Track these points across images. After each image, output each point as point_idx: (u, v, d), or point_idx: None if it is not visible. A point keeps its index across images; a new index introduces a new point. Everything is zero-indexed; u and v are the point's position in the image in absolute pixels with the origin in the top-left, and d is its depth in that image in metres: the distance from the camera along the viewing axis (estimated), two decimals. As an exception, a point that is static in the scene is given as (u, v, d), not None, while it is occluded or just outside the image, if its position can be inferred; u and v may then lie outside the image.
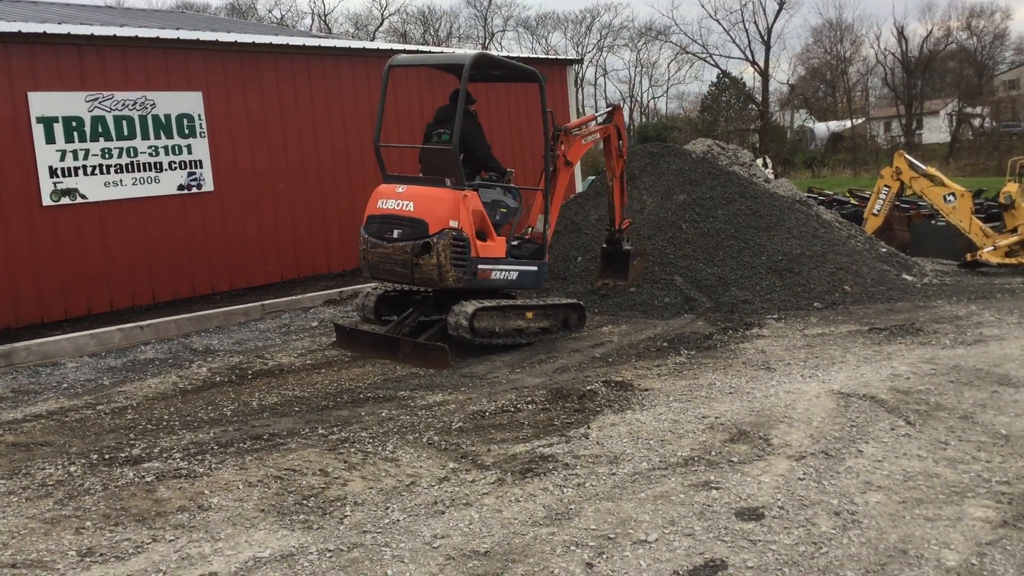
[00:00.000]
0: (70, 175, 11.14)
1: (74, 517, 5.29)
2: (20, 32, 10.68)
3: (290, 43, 13.72)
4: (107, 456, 6.36)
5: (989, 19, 56.89)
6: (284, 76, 13.42)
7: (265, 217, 13.17)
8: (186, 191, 12.28)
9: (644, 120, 62.23)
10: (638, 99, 66.01)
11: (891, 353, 8.31)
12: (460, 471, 5.80)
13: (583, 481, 5.49)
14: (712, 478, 5.42)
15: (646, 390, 7.45)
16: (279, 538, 4.89)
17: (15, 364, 9.62)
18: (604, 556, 4.48)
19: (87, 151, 11.29)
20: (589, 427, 6.53)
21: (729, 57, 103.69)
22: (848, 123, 56.11)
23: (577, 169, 15.94)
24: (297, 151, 13.57)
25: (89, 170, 11.31)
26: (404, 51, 14.75)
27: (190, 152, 12.31)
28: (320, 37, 21.05)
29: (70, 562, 4.70)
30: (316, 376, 8.54)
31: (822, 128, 57.14)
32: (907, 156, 15.72)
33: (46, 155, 10.95)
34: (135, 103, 11.73)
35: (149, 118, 11.87)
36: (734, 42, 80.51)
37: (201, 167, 12.42)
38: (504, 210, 9.41)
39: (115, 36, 11.63)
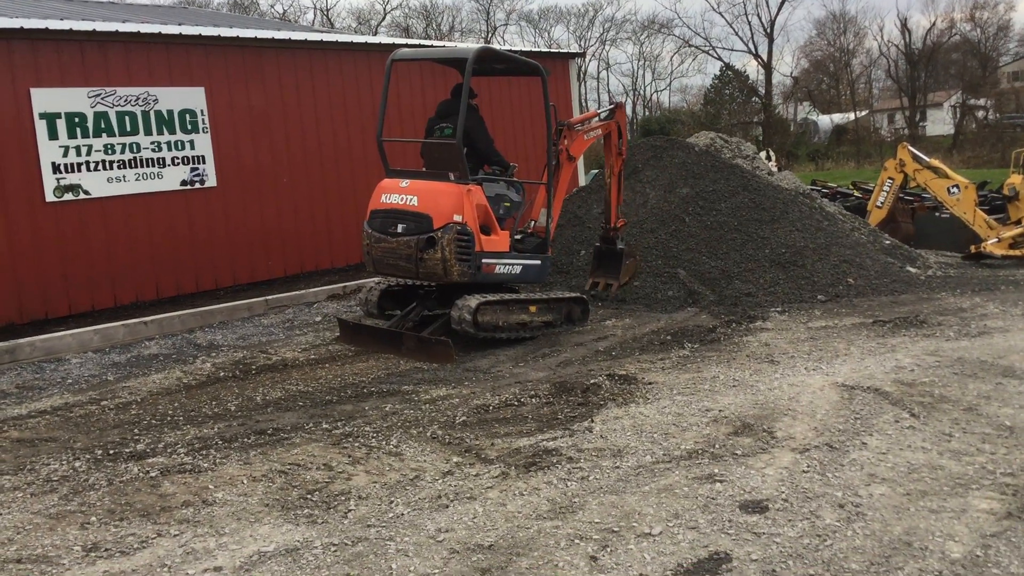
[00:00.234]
0: (73, 171, 11.15)
1: (79, 512, 5.30)
2: (22, 28, 10.68)
3: (292, 38, 13.71)
4: (112, 451, 6.37)
5: (993, 10, 56.74)
6: (286, 71, 13.42)
7: (268, 212, 13.18)
8: (189, 187, 12.28)
9: (647, 113, 62.19)
10: (641, 92, 65.98)
11: (895, 345, 8.30)
12: (464, 465, 5.80)
13: (587, 475, 5.49)
14: (716, 471, 5.42)
15: (650, 383, 7.45)
16: (283, 532, 4.90)
17: (19, 360, 9.64)
18: (608, 549, 4.49)
19: (90, 147, 11.29)
20: (593, 421, 6.53)
21: (732, 50, 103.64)
22: (852, 115, 56.05)
23: (580, 163, 15.90)
24: (300, 146, 13.57)
25: (92, 166, 11.31)
26: (406, 45, 14.73)
27: (193, 148, 12.31)
28: (322, 32, 21.05)
29: (75, 557, 4.72)
30: (320, 371, 8.55)
31: (825, 121, 57.07)
32: (911, 148, 15.69)
33: (49, 151, 10.95)
34: (138, 99, 11.73)
35: (152, 114, 11.87)
36: (737, 35, 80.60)
37: (204, 162, 12.42)
38: (508, 204, 9.41)
39: (117, 32, 11.62)
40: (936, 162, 15.30)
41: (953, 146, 46.13)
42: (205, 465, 5.98)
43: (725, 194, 12.13)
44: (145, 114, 11.81)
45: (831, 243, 11.62)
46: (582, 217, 12.56)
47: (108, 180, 11.46)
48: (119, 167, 11.56)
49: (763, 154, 25.14)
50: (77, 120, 11.18)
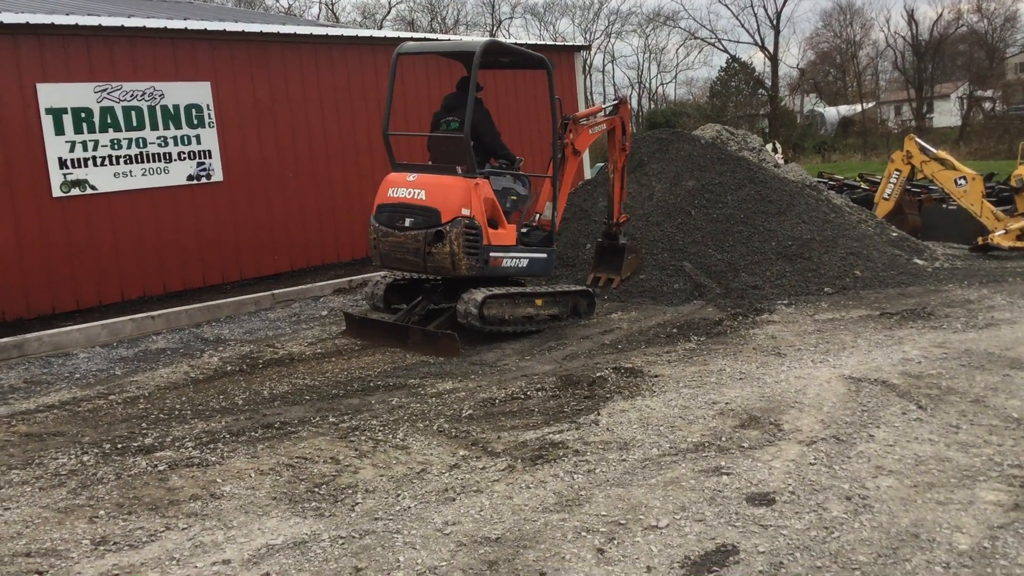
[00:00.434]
0: (80, 166, 11.17)
1: (87, 506, 5.32)
2: (28, 23, 10.70)
3: (298, 32, 13.72)
4: (120, 445, 6.39)
5: (1000, 1, 56.38)
6: (292, 65, 13.42)
7: (274, 206, 13.19)
8: (195, 181, 12.30)
9: (653, 106, 62.05)
10: (647, 85, 65.81)
11: (902, 337, 8.28)
12: (470, 458, 5.81)
13: (593, 467, 5.50)
14: (723, 464, 5.42)
15: (656, 376, 7.45)
16: (291, 525, 4.92)
17: (27, 355, 9.68)
18: (615, 542, 4.49)
19: (96, 142, 11.31)
20: (599, 414, 6.54)
21: (738, 42, 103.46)
22: (858, 107, 55.84)
23: (586, 156, 15.89)
24: (305, 140, 13.58)
25: (99, 161, 11.34)
26: (412, 39, 14.72)
27: (199, 142, 12.32)
28: (328, 26, 21.05)
29: (84, 551, 4.73)
30: (326, 365, 8.56)
31: (832, 112, 56.87)
32: (918, 140, 15.62)
33: (55, 146, 10.98)
34: (144, 93, 11.74)
35: (158, 108, 11.89)
36: (743, 27, 79.97)
37: (210, 157, 12.44)
38: (514, 198, 9.41)
39: (123, 27, 11.63)
40: (943, 153, 15.24)
41: (960, 137, 45.93)
42: (213, 459, 5.99)
43: (731, 186, 12.11)
44: (151, 109, 11.82)
45: (838, 235, 11.59)
46: (587, 210, 12.55)
47: (115, 175, 11.49)
48: (125, 162, 11.58)
49: (769, 146, 25.05)
50: (83, 115, 11.20)
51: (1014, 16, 55.56)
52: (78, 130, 11.15)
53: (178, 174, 12.12)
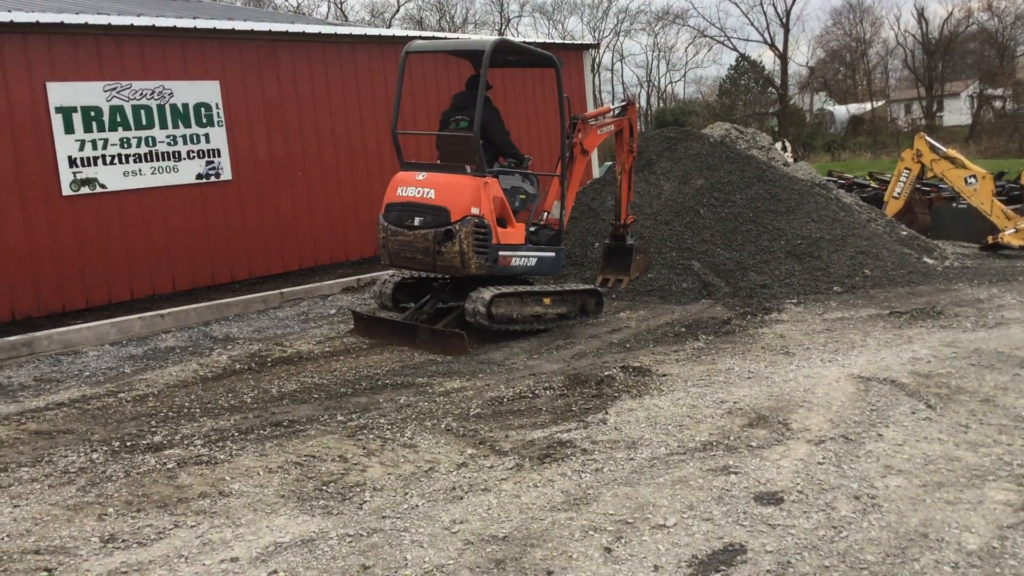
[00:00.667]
0: (89, 165, 11.21)
1: (96, 504, 5.34)
2: (38, 22, 10.73)
3: (306, 31, 13.72)
4: (129, 443, 6.42)
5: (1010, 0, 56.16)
6: (300, 64, 13.44)
7: (283, 205, 13.22)
8: (205, 180, 12.33)
9: (661, 105, 61.95)
10: (655, 84, 65.73)
11: (912, 337, 8.26)
12: (478, 457, 5.81)
13: (601, 466, 5.49)
14: (731, 463, 5.41)
15: (664, 375, 7.44)
16: (299, 523, 4.93)
17: (37, 353, 9.72)
18: (622, 541, 4.49)
19: (106, 141, 11.35)
20: (607, 412, 6.53)
21: (747, 40, 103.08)
22: (868, 106, 55.67)
23: (594, 155, 15.87)
24: (314, 139, 13.60)
25: (108, 160, 11.37)
26: (420, 38, 14.72)
27: (208, 141, 12.35)
28: (336, 24, 21.06)
29: (93, 548, 4.75)
30: (335, 363, 8.58)
31: (842, 111, 56.73)
32: (928, 138, 15.58)
33: (65, 145, 11.01)
34: (153, 92, 11.78)
35: (167, 107, 11.92)
36: (752, 25, 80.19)
37: (219, 156, 12.47)
38: (523, 196, 9.41)
39: (132, 25, 11.67)
40: (953, 152, 15.19)
41: (970, 136, 45.78)
42: (221, 457, 6.01)
43: (740, 185, 12.09)
44: (160, 108, 11.85)
45: (847, 234, 11.56)
46: (596, 209, 12.55)
47: (124, 174, 11.52)
48: (135, 161, 11.62)
49: (779, 145, 24.99)
50: (93, 114, 11.24)
51: (1025, 14, 55.31)
52: (88, 129, 11.19)
53: (187, 173, 12.15)
